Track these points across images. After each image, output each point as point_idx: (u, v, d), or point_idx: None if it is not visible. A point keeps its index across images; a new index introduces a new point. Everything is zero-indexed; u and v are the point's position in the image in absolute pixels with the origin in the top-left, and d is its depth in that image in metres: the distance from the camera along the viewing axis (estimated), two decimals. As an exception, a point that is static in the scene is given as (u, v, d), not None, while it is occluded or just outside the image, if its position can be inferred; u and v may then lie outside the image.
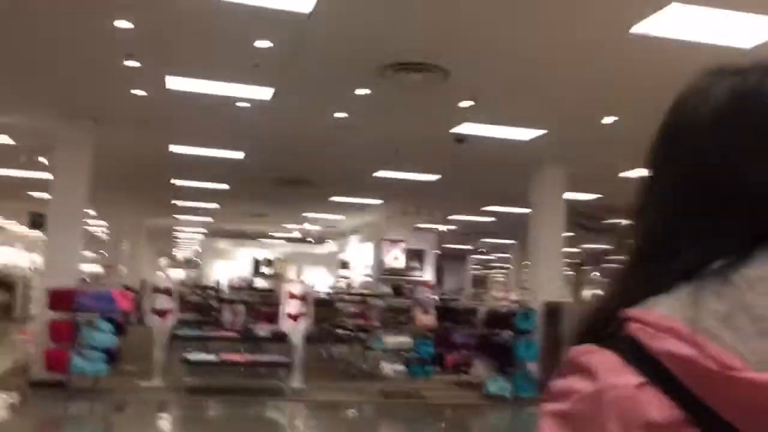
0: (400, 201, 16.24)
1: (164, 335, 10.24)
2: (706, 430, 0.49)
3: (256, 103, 8.29)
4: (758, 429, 0.48)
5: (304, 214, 19.74)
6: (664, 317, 0.53)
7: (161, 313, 10.24)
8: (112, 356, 9.11)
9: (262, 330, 10.17)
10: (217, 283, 20.69)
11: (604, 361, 0.53)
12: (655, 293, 0.55)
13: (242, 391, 9.70)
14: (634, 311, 0.54)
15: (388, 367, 9.74)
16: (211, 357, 9.40)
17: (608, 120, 8.39)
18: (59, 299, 8.87)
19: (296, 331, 10.40)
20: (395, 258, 19.07)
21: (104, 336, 8.88)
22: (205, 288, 15.73)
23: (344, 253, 23.36)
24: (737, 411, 0.48)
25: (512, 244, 25.87)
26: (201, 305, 13.60)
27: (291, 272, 25.02)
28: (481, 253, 28.25)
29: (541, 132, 9.10)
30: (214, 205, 18.58)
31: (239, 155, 11.57)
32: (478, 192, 14.25)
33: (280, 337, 10.09)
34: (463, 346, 11.30)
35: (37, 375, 8.96)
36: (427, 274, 19.26)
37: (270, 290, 14.43)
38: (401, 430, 9.00)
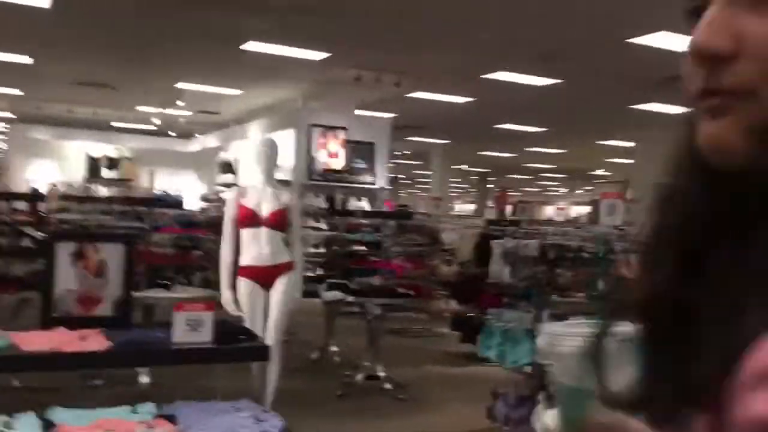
0: (364, 51, 9.48)
1: None
2: None
3: None
4: None
5: (179, 86, 12.27)
6: None
7: None
8: None
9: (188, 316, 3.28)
10: (32, 191, 12.89)
11: None
12: None
13: None
14: None
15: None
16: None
17: None
18: None
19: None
20: (331, 154, 12.22)
21: None
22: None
23: (228, 151, 16.12)
24: None
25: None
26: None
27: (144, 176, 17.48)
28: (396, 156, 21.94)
29: None
30: (19, 58, 10.65)
31: None
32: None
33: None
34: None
35: None
36: (380, 179, 12.68)
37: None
38: None
